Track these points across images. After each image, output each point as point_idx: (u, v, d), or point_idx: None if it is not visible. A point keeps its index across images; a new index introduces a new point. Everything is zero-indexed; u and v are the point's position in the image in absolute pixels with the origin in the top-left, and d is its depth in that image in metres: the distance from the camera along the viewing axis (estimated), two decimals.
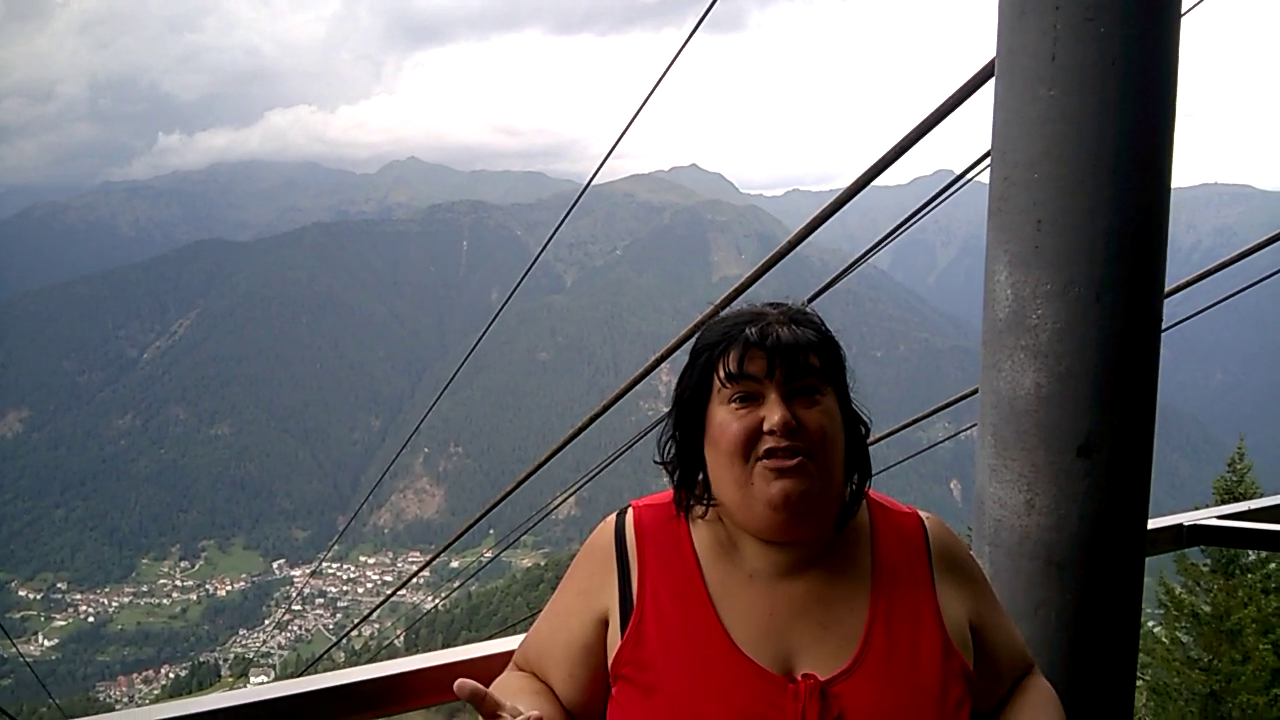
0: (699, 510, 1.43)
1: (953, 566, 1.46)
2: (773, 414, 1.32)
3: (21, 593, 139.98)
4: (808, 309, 1.45)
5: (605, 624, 1.42)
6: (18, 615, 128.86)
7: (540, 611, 1.56)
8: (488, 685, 1.58)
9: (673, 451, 1.45)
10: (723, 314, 1.47)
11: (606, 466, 5.56)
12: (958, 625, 1.41)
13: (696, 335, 1.47)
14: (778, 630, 1.34)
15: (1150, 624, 14.48)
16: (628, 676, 1.35)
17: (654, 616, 1.37)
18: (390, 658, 1.79)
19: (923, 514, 1.51)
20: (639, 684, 1.33)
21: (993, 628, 1.48)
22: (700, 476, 1.43)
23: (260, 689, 1.62)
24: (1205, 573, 13.69)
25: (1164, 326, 1.77)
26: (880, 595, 1.38)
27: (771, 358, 1.34)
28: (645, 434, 5.25)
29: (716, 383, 1.38)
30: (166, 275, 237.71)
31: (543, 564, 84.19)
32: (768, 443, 1.31)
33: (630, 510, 1.49)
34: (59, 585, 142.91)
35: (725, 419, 1.35)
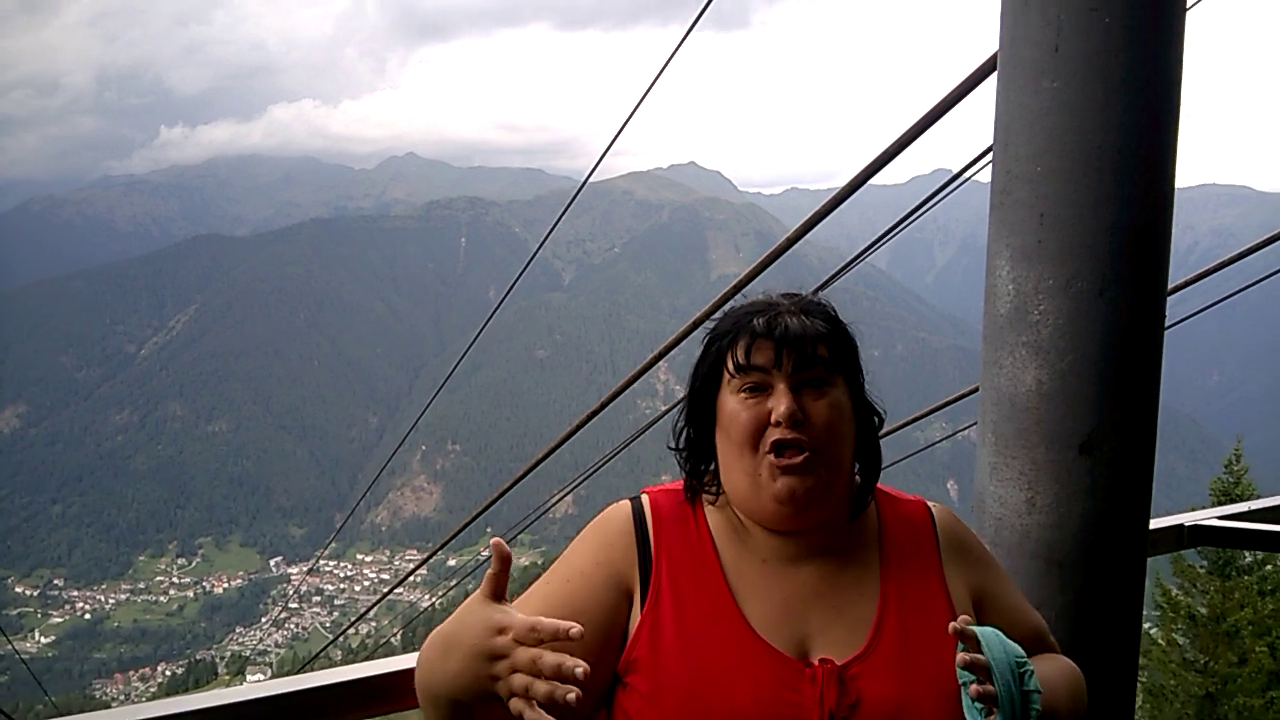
0: (709, 497, 1.45)
1: (961, 551, 1.47)
2: (779, 405, 1.33)
3: (18, 589, 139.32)
4: (821, 299, 1.46)
5: (629, 597, 1.37)
6: (14, 612, 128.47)
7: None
8: None
9: (685, 439, 1.47)
10: (738, 304, 1.47)
11: (604, 464, 5.54)
12: (966, 608, 1.42)
13: (710, 323, 1.48)
14: (792, 615, 1.34)
15: (1147, 625, 14.48)
16: (644, 658, 1.32)
17: (671, 598, 1.35)
18: (387, 656, 1.75)
19: (930, 503, 1.52)
20: (656, 666, 1.31)
21: (1001, 603, 1.47)
22: (711, 465, 1.45)
23: (256, 686, 1.61)
24: (1202, 574, 13.70)
25: (1166, 324, 1.74)
26: (890, 580, 1.39)
27: (779, 348, 1.35)
28: (643, 432, 5.23)
29: (726, 373, 1.40)
30: (164, 270, 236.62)
31: (540, 562, 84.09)
32: (775, 434, 1.33)
33: (645, 495, 1.48)
34: (55, 582, 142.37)
35: (735, 409, 1.37)
